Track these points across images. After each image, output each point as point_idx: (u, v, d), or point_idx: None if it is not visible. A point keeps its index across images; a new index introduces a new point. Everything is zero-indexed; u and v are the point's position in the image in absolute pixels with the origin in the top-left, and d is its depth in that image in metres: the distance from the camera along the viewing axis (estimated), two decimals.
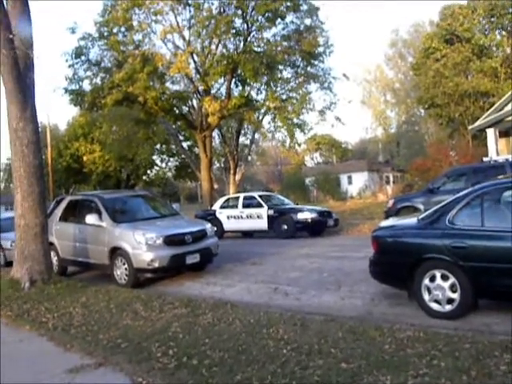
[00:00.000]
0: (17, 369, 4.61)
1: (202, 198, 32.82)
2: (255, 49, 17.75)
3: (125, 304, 6.83)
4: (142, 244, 8.08)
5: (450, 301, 5.10)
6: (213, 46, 17.70)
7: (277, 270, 9.01)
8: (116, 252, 8.47)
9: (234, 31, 17.23)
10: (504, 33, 22.95)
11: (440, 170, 17.02)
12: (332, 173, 43.42)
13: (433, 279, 5.21)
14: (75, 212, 9.63)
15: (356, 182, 43.71)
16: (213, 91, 19.97)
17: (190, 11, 17.20)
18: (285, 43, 18.76)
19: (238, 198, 15.70)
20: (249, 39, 18.68)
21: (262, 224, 14.48)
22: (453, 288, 5.06)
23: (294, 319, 5.41)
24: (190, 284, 8.49)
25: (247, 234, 15.65)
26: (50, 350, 5.06)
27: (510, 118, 15.94)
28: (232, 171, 23.63)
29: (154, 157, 33.09)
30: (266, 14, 17.89)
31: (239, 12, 17.80)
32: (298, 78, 20.96)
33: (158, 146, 32.32)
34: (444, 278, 5.12)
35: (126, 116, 19.46)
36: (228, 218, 15.16)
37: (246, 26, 18.44)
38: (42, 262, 8.21)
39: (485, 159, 11.69)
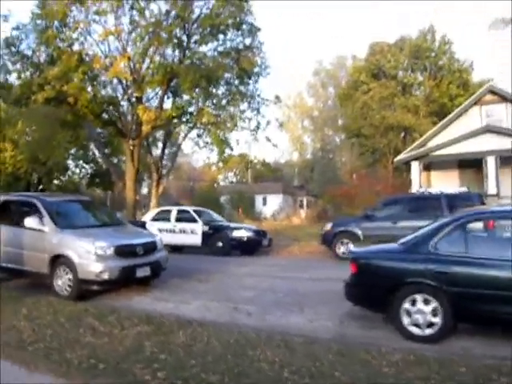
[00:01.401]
0: None
1: (112, 207, 31.71)
2: (196, 62, 17.48)
3: (75, 318, 6.23)
4: (90, 253, 7.42)
5: (430, 325, 5.25)
6: (151, 54, 17.15)
7: (227, 289, 8.74)
8: (58, 260, 7.68)
9: (175, 41, 16.86)
10: (425, 73, 25.06)
11: (364, 198, 17.86)
12: (247, 192, 43.81)
13: (413, 303, 5.34)
14: (9, 213, 8.64)
15: (270, 204, 44.46)
16: (144, 100, 19.35)
17: (131, 15, 16.61)
18: (225, 59, 18.71)
19: (170, 211, 15.19)
20: (187, 51, 18.46)
21: (196, 240, 14.12)
22: (434, 312, 5.22)
23: (273, 340, 5.26)
24: (139, 299, 7.93)
25: (176, 249, 15.13)
26: (11, 370, 4.39)
27: (434, 154, 17.26)
28: (155, 183, 22.87)
29: (69, 161, 31.22)
30: (209, 28, 17.83)
31: (179, 22, 17.48)
32: (230, 95, 20.98)
33: (73, 151, 30.69)
34: (426, 302, 5.28)
35: (51, 116, 18.11)
36: (160, 231, 14.53)
37: (186, 37, 18.19)
38: None
39: (419, 190, 12.47)
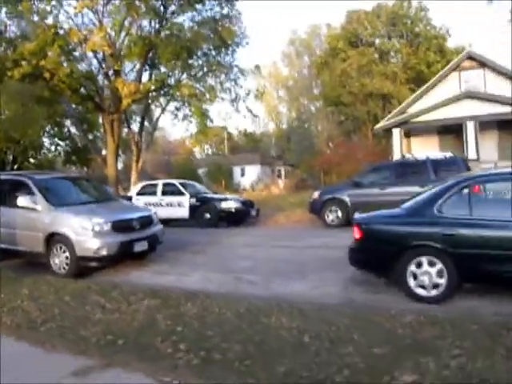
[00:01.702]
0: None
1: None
2: (175, 33, 17.01)
3: (79, 296, 6.17)
4: (87, 230, 7.31)
5: (436, 286, 5.39)
6: (128, 26, 16.61)
7: (224, 259, 8.78)
8: (54, 238, 7.56)
9: (153, 12, 16.33)
10: (402, 40, 25.10)
11: (346, 166, 18.01)
12: (225, 164, 43.64)
13: (419, 265, 5.46)
14: (0, 193, 8.39)
15: (249, 175, 44.43)
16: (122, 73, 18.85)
17: None
18: (204, 30, 18.28)
19: (156, 185, 15.02)
20: (164, 22, 17.96)
21: (183, 212, 14.05)
22: (439, 273, 5.36)
23: (285, 308, 5.31)
24: (137, 273, 7.90)
25: (163, 222, 15.01)
26: (28, 351, 4.32)
27: (414, 120, 17.44)
28: (135, 158, 22.51)
29: (44, 139, 30.32)
30: None
31: None
32: (209, 66, 20.60)
33: (48, 128, 29.80)
34: (431, 264, 5.41)
35: (26, 92, 17.44)
36: (146, 205, 14.41)
37: (162, 7, 17.65)
38: None
39: (405, 156, 12.61)
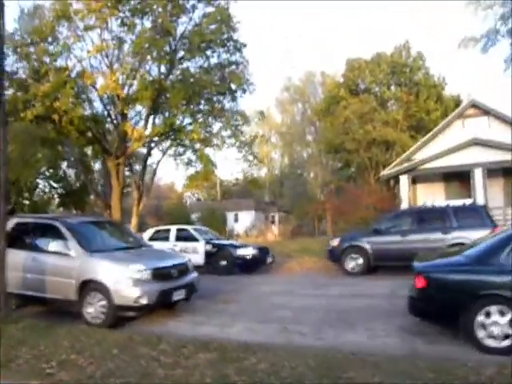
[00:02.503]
0: None
1: None
2: (186, 78, 17.26)
3: (126, 348, 5.81)
4: (127, 278, 7.01)
5: (506, 336, 5.22)
6: (141, 70, 16.82)
7: (259, 309, 8.49)
8: (88, 286, 7.23)
9: (167, 57, 16.59)
10: (403, 88, 25.86)
11: (354, 212, 18.01)
12: (218, 209, 43.47)
13: (488, 315, 5.31)
14: (24, 236, 8.08)
15: (242, 221, 44.24)
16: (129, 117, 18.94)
17: (117, 31, 16.26)
18: (213, 75, 18.59)
19: (169, 231, 14.73)
20: (172, 67, 18.25)
21: (198, 259, 13.70)
22: (510, 323, 5.21)
23: (355, 360, 5.08)
24: (174, 324, 7.56)
25: None
26: None
27: (422, 167, 17.67)
28: (136, 202, 22.29)
29: (38, 180, 30.17)
30: (197, 44, 17.67)
31: (167, 37, 17.28)
32: (214, 112, 20.81)
33: (42, 170, 29.70)
34: (501, 313, 5.26)
35: (31, 133, 17.39)
36: None
37: (174, 52, 17.96)
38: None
39: (425, 203, 12.65)
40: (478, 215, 11.66)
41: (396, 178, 18.90)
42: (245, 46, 18.88)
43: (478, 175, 16.90)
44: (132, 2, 15.72)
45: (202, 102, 18.49)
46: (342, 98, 26.92)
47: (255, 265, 13.55)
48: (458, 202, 12.63)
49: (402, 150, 23.52)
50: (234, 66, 19.38)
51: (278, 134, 52.40)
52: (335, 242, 12.96)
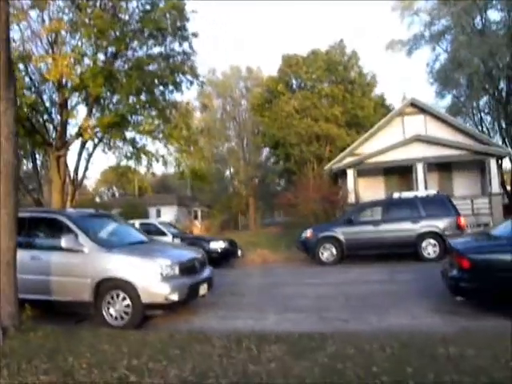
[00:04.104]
0: None
1: None
2: (143, 65, 16.36)
3: (185, 347, 5.35)
4: (155, 273, 6.46)
5: None
6: (92, 55, 15.61)
7: (276, 300, 8.30)
8: (107, 285, 6.56)
9: (119, 43, 15.56)
10: (340, 86, 26.80)
11: (307, 204, 18.38)
12: (140, 205, 42.13)
13: None
14: (22, 233, 7.11)
15: (165, 216, 43.17)
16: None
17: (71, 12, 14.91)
18: (163, 65, 17.82)
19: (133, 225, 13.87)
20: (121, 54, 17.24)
21: None
22: None
23: (437, 337, 5.15)
24: (199, 320, 7.13)
25: None
26: None
27: (368, 161, 18.49)
28: (70, 197, 20.80)
29: None
30: (152, 32, 16.87)
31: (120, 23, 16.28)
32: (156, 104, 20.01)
33: None
34: None
35: None
36: None
37: (123, 38, 16.92)
38: (14, 302, 5.83)
39: (394, 195, 13.21)
40: (443, 205, 12.47)
41: (342, 171, 19.57)
42: (196, 36, 18.31)
43: (419, 169, 18.07)
44: None
45: (156, 92, 17.62)
46: (279, 92, 27.32)
47: (226, 258, 13.30)
48: (424, 193, 13.39)
49: (340, 144, 24.50)
50: (182, 56, 18.72)
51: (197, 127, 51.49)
52: (308, 233, 13.12)
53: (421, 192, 14.01)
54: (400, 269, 11.09)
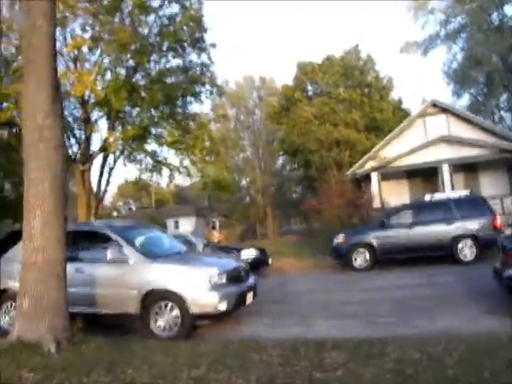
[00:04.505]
0: None
1: None
2: (165, 78, 16.50)
3: (243, 356, 5.25)
4: (204, 283, 6.40)
5: None
6: (115, 69, 15.80)
7: (319, 307, 8.21)
8: (154, 296, 6.52)
9: (141, 56, 15.69)
10: (357, 90, 26.74)
11: (332, 210, 18.21)
12: (158, 217, 42.35)
13: None
14: (69, 248, 7.09)
15: (183, 227, 43.34)
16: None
17: (94, 27, 15.08)
18: (183, 77, 17.95)
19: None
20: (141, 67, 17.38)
21: None
22: None
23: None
24: (245, 328, 7.07)
25: None
26: None
27: (393, 165, 18.31)
28: (94, 210, 20.95)
29: None
30: (167, 45, 17.02)
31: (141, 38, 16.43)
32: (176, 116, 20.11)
33: None
34: None
35: None
36: None
37: (143, 52, 17.08)
38: (65, 316, 5.81)
39: (426, 197, 13.04)
40: (477, 205, 12.25)
41: (366, 176, 19.40)
42: (214, 46, 18.42)
43: (445, 171, 17.82)
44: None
45: (177, 103, 17.73)
46: (297, 100, 27.29)
47: (257, 266, 13.18)
48: (457, 194, 13.18)
49: (360, 149, 24.33)
50: (201, 67, 18.83)
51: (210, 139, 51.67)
52: (340, 239, 12.96)
53: (452, 193, 13.78)
54: (437, 272, 10.88)
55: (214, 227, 46.33)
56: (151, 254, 6.94)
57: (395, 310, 7.36)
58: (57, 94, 5.77)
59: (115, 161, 21.44)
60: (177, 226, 44.24)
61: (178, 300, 6.40)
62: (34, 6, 5.62)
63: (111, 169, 24.46)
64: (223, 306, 6.41)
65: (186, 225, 43.44)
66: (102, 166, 21.76)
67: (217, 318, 6.61)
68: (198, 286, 6.40)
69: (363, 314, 7.25)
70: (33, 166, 5.67)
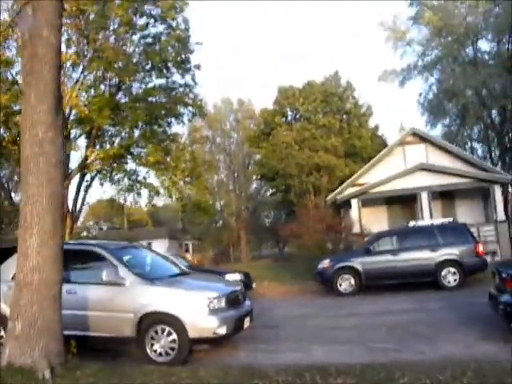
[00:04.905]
0: None
1: None
2: (142, 98, 16.39)
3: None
4: (203, 306, 6.23)
5: None
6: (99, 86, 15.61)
7: (313, 332, 8.13)
8: (151, 319, 6.30)
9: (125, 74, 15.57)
10: (337, 116, 27.21)
11: (312, 235, 18.25)
12: (130, 239, 41.45)
13: None
14: None
15: (156, 249, 42.36)
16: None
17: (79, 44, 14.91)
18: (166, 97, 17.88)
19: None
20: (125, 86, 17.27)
21: None
22: None
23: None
24: (242, 353, 6.88)
25: None
26: None
27: (372, 191, 18.56)
28: (69, 230, 20.36)
29: None
30: (155, 64, 16.98)
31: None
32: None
33: None
34: None
35: None
36: None
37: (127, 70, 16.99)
38: (60, 339, 5.54)
39: (410, 224, 13.22)
40: (460, 232, 12.49)
41: (345, 201, 19.58)
42: (199, 68, 18.46)
43: (424, 198, 18.16)
44: (91, 16, 14.61)
45: (161, 123, 17.61)
46: (277, 124, 27.57)
47: None
48: (440, 221, 13.41)
49: (338, 175, 24.65)
50: (184, 88, 18.81)
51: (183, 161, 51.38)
52: (325, 264, 12.95)
53: (435, 220, 14.02)
54: (424, 298, 10.97)
55: (187, 250, 45.67)
56: (147, 275, 6.75)
57: (392, 335, 7.33)
58: (59, 105, 5.63)
59: (92, 179, 21.04)
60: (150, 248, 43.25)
61: (176, 324, 6.19)
62: (40, 16, 5.50)
63: (88, 187, 24.02)
64: (223, 331, 6.25)
65: (159, 247, 42.42)
66: (79, 185, 21.30)
67: (215, 342, 6.44)
68: (197, 309, 6.23)
69: (359, 340, 7.19)
70: (32, 182, 5.46)
